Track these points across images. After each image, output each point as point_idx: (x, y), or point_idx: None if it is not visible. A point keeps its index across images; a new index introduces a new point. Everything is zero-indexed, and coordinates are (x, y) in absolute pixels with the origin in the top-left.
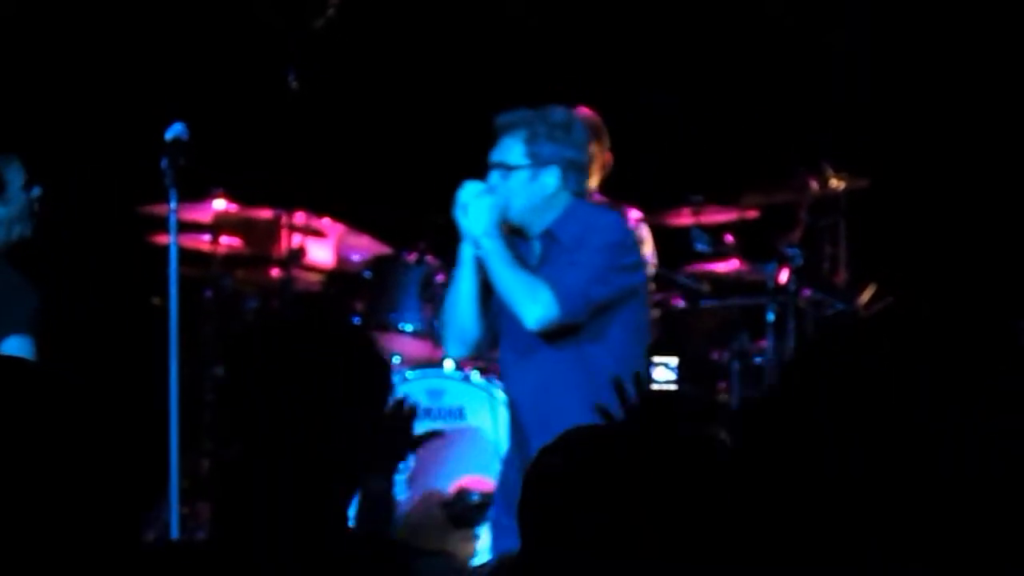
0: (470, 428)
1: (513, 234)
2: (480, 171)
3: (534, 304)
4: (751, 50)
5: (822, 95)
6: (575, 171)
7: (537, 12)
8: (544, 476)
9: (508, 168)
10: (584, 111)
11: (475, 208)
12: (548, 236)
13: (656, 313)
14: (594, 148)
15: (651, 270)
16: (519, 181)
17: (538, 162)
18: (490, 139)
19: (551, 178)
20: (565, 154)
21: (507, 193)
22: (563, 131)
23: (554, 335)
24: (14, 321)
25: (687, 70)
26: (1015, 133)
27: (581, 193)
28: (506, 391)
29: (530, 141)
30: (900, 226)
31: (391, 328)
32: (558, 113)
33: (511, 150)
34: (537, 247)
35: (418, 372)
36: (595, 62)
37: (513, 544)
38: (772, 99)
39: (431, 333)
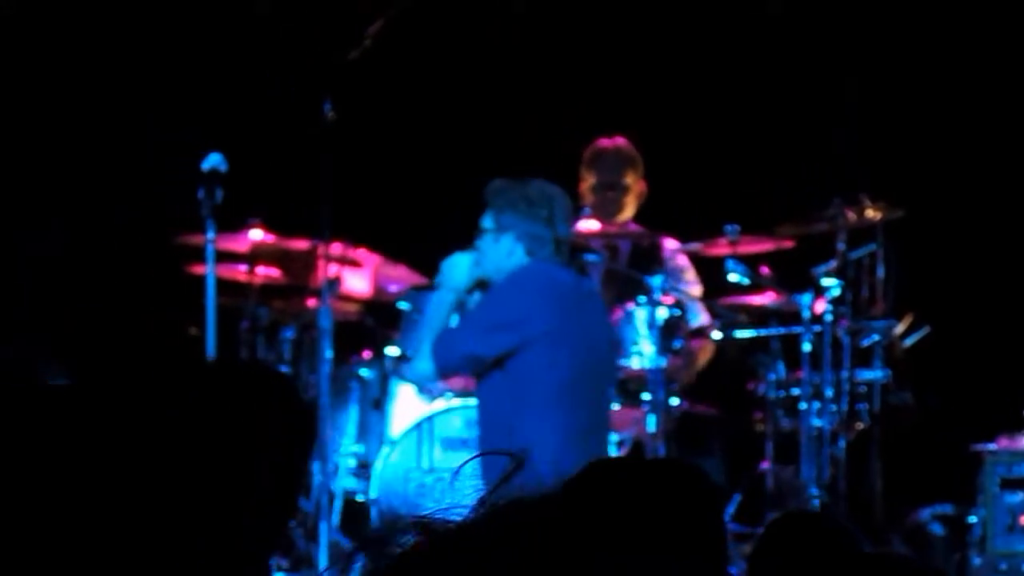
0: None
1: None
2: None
3: (418, 358)
4: (788, 80)
5: (858, 125)
6: (530, 240)
7: (570, 44)
8: None
9: (481, 231)
10: (620, 141)
11: (452, 261)
12: (483, 288)
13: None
14: (629, 178)
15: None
16: (487, 242)
17: (499, 228)
18: (521, 168)
19: (508, 242)
20: (521, 225)
21: (481, 252)
22: (526, 204)
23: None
24: None
25: (725, 99)
26: None
27: (543, 257)
28: None
29: (498, 210)
30: (937, 255)
31: None
32: (532, 187)
33: (487, 216)
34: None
35: (457, 401)
36: (632, 92)
37: None
38: (809, 128)
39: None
